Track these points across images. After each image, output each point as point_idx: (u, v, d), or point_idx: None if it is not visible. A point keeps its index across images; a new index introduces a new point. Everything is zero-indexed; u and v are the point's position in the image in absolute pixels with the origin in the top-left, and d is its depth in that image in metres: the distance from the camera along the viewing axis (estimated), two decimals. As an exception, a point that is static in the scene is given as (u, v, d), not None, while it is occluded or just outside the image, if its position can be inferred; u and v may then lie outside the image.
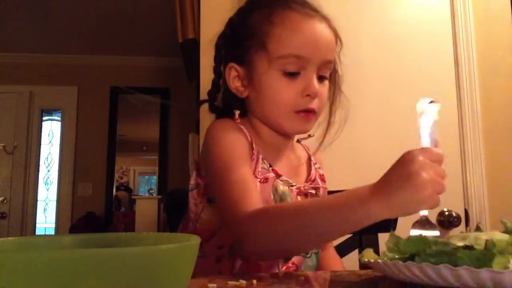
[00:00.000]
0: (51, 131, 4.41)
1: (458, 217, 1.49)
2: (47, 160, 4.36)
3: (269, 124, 0.82)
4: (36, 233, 4.20)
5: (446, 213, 1.50)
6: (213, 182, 0.76)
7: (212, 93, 0.87)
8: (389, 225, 0.91)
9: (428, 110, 0.60)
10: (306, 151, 0.93)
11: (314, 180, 0.86)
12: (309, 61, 0.76)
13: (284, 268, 0.77)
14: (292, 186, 0.81)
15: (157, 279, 0.29)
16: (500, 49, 1.73)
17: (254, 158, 0.77)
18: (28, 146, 4.19)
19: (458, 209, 1.54)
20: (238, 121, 0.81)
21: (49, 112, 4.40)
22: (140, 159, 8.74)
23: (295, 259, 0.79)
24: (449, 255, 0.45)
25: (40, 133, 4.30)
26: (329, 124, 0.86)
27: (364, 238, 0.97)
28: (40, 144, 4.29)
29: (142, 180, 9.58)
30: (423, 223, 0.56)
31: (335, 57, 0.83)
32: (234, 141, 0.76)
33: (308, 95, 0.76)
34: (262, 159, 0.78)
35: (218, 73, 0.85)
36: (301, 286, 0.55)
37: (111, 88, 4.35)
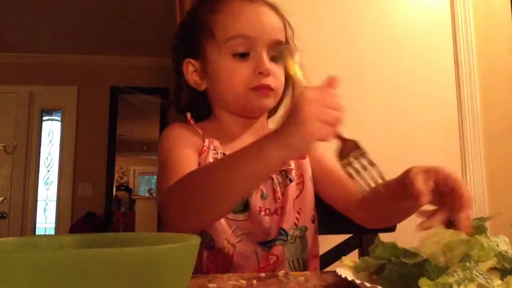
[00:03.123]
0: (51, 131, 4.41)
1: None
2: (47, 160, 4.36)
3: (230, 108, 0.84)
4: (36, 233, 4.20)
5: (446, 213, 1.50)
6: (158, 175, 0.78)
7: (175, 94, 0.90)
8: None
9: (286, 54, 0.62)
10: None
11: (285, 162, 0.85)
12: (256, 41, 0.79)
13: (265, 261, 0.76)
14: None
15: (157, 279, 0.29)
16: (500, 49, 1.73)
17: (205, 150, 0.79)
18: (28, 146, 4.19)
19: (458, 209, 1.54)
20: (192, 122, 0.85)
21: (49, 112, 4.40)
22: (140, 159, 8.75)
23: (275, 249, 0.77)
24: (417, 267, 0.45)
25: (40, 133, 4.30)
26: None
27: (364, 238, 0.97)
28: (40, 144, 4.29)
29: (142, 180, 9.59)
30: (349, 148, 0.56)
31: (285, 38, 0.85)
32: (177, 136, 0.80)
33: (260, 73, 0.78)
34: (215, 149, 0.80)
35: (178, 72, 0.88)
36: (301, 286, 0.55)
37: (111, 88, 4.35)
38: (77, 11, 3.43)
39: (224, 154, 0.80)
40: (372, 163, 0.56)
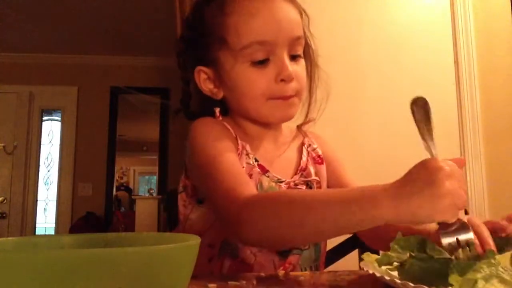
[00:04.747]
0: (51, 131, 4.41)
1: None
2: (47, 160, 4.36)
3: (251, 118, 0.78)
4: (36, 233, 4.20)
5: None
6: (201, 176, 0.71)
7: (184, 101, 0.83)
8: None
9: (428, 110, 0.58)
10: (302, 134, 0.88)
11: (305, 169, 0.82)
12: (275, 44, 0.71)
13: (281, 268, 0.76)
14: (280, 182, 0.77)
15: (157, 279, 0.29)
16: (500, 49, 1.73)
17: (239, 153, 0.74)
18: (28, 146, 4.19)
19: (458, 209, 1.54)
20: (220, 118, 0.79)
21: (49, 112, 4.40)
22: (140, 159, 8.75)
23: (291, 258, 0.77)
24: (440, 263, 0.45)
25: (40, 133, 4.30)
26: (310, 103, 0.82)
27: (364, 238, 0.96)
28: (40, 144, 4.29)
29: (142, 180, 9.58)
30: (458, 228, 0.51)
31: (303, 31, 0.77)
32: (218, 134, 0.73)
33: (282, 80, 0.72)
34: (248, 154, 0.75)
35: (186, 80, 0.81)
36: (301, 286, 0.55)
37: (111, 88, 4.35)
38: (77, 11, 3.43)
39: (256, 159, 0.76)
40: (471, 243, 0.51)
